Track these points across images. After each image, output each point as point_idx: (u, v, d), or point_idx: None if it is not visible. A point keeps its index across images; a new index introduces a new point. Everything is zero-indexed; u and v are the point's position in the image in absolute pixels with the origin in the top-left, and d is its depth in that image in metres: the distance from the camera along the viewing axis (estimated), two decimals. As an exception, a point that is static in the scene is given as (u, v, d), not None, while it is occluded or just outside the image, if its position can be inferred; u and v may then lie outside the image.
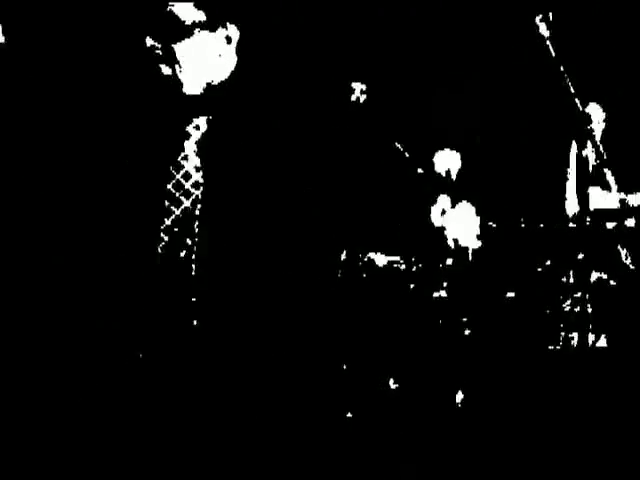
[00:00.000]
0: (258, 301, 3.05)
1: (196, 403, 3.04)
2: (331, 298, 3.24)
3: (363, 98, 4.08)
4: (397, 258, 3.69)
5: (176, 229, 2.97)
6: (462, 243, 4.38)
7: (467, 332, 3.92)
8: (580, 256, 4.50)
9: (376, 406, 3.09)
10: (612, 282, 4.49)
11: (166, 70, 2.92)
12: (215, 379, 3.06)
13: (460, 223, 4.36)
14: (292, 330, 3.10)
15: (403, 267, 3.71)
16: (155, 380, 2.97)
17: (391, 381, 3.15)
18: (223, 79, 3.03)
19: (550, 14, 4.08)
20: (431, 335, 3.42)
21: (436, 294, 3.89)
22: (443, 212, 4.34)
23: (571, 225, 4.58)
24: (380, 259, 3.67)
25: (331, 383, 3.06)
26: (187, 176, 3.08)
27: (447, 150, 4.43)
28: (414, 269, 3.76)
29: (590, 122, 4.47)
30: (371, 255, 3.65)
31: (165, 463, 2.99)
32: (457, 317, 3.87)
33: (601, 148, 4.47)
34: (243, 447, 3.00)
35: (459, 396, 3.54)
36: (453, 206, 4.38)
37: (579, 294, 4.47)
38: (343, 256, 3.46)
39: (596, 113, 4.60)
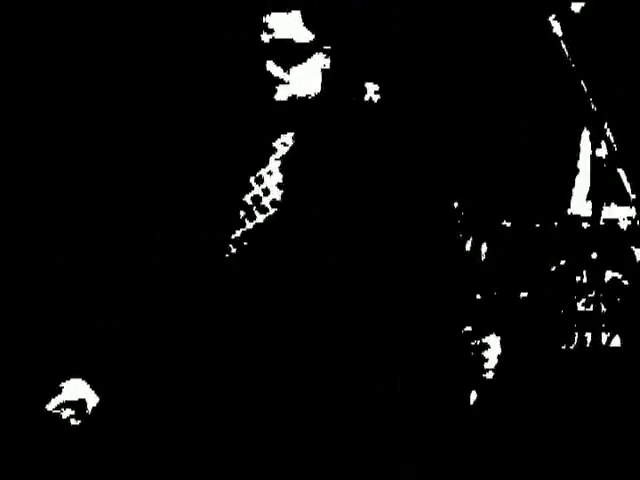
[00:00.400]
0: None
1: (196, 406, 3.05)
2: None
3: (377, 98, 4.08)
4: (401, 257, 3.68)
5: (245, 243, 2.99)
6: (474, 243, 4.37)
7: (479, 331, 3.91)
8: (594, 255, 4.47)
9: (376, 406, 3.09)
10: (626, 282, 4.46)
11: (259, 81, 2.94)
12: (217, 381, 3.07)
13: (472, 223, 4.34)
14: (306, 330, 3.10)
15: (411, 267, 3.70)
16: (154, 381, 2.99)
17: (395, 381, 3.15)
18: (316, 94, 3.05)
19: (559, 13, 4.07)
20: (438, 334, 3.41)
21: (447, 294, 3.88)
22: (455, 212, 4.33)
23: (585, 225, 4.56)
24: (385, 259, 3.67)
25: (332, 382, 3.06)
26: (266, 191, 3.10)
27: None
28: (423, 269, 3.75)
29: (604, 122, 4.44)
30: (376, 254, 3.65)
31: (165, 463, 3.00)
32: (469, 317, 3.86)
33: (615, 148, 4.45)
34: (242, 446, 3.01)
35: (472, 396, 3.53)
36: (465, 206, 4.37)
37: (593, 294, 4.44)
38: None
39: (609, 113, 4.58)
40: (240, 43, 2.93)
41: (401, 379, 3.10)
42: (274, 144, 2.96)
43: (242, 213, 2.97)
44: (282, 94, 2.89)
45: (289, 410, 3.03)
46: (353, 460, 3.02)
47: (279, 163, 3.00)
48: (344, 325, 3.08)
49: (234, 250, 2.96)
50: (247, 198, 2.96)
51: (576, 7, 4.54)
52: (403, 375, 3.11)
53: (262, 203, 2.99)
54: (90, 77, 3.34)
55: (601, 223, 4.54)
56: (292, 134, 3.00)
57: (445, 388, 3.24)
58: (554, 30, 4.44)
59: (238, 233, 2.97)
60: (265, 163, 2.95)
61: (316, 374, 3.04)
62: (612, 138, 4.49)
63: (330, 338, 3.06)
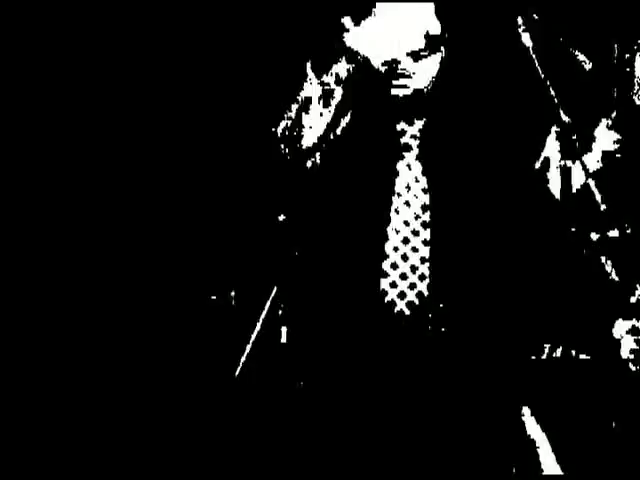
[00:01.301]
0: None
1: (197, 406, 3.04)
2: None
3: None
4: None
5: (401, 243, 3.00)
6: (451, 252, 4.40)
7: (453, 341, 3.94)
8: (564, 266, 4.53)
9: (376, 405, 3.11)
10: (593, 295, 4.52)
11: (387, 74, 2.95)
12: (221, 382, 3.07)
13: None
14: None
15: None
16: (155, 381, 2.98)
17: (392, 381, 3.17)
18: (434, 82, 3.06)
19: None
20: (427, 341, 3.45)
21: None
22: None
23: (554, 233, 4.62)
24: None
25: (331, 382, 3.07)
26: (408, 187, 3.10)
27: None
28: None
29: (574, 133, 4.52)
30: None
31: (166, 464, 2.99)
32: (443, 326, 3.89)
33: (584, 159, 4.52)
34: (241, 447, 3.01)
35: (449, 400, 3.55)
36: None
37: (563, 304, 4.50)
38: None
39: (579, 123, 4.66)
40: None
41: (401, 379, 3.12)
42: (405, 140, 2.99)
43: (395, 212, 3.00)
44: (409, 85, 2.93)
45: (290, 410, 3.03)
46: (354, 460, 3.03)
47: (413, 157, 3.03)
48: (351, 325, 3.10)
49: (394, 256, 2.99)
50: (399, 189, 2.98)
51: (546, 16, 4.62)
52: (403, 375, 3.13)
53: (407, 199, 3.03)
54: (104, 77, 3.31)
55: (571, 232, 4.60)
56: (419, 125, 3.04)
57: (445, 389, 3.26)
58: (523, 40, 4.51)
59: (405, 231, 3.00)
60: (400, 157, 2.97)
61: (317, 374, 3.05)
62: (581, 149, 4.57)
63: (331, 338, 3.07)
